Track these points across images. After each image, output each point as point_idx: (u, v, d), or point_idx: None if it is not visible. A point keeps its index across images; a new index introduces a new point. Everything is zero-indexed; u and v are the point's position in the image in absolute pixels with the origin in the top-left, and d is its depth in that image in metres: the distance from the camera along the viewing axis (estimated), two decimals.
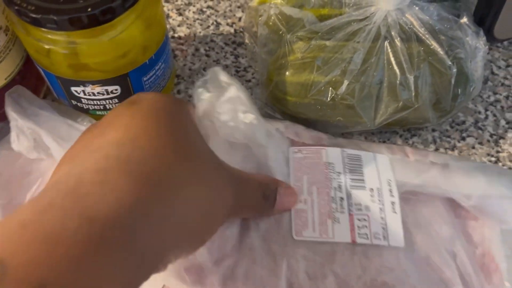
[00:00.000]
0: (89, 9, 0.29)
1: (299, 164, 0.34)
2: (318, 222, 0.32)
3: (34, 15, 0.29)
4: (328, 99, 0.36)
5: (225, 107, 0.30)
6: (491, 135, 0.42)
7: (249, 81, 0.44)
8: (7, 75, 0.36)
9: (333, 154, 0.34)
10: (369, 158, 0.35)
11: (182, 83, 0.43)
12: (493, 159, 0.40)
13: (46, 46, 0.32)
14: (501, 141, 0.41)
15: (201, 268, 0.30)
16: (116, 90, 0.35)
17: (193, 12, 0.47)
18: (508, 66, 0.45)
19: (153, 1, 0.33)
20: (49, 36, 0.31)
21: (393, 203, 0.33)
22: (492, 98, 0.43)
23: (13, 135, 0.34)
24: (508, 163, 0.40)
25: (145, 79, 0.36)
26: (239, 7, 0.48)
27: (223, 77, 0.30)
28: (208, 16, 0.47)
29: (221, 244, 0.31)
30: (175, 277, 0.30)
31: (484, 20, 0.39)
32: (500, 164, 0.40)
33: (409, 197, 0.33)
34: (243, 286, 0.30)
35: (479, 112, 0.43)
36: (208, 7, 0.47)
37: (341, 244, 0.31)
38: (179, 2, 0.48)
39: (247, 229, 0.32)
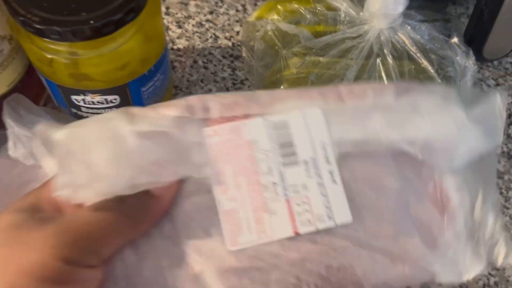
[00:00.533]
0: (92, 22, 0.30)
1: (218, 151, 0.27)
2: (254, 220, 0.27)
3: (38, 26, 0.30)
4: None
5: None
6: None
7: None
8: (9, 82, 0.37)
9: (255, 127, 0.28)
10: (298, 120, 0.29)
11: (180, 94, 0.44)
12: None
13: (49, 56, 0.33)
14: None
15: None
16: (115, 99, 0.36)
17: (192, 25, 0.48)
18: (497, 84, 0.46)
19: (153, 15, 0.34)
20: (51, 46, 0.32)
21: (331, 172, 0.28)
22: None
23: (10, 142, 0.35)
24: (496, 180, 0.41)
25: (143, 89, 0.37)
26: (237, 21, 0.49)
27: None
28: (207, 30, 0.48)
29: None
30: None
31: (474, 40, 0.41)
32: None
33: (349, 157, 0.29)
34: None
35: None
36: (207, 20, 0.49)
37: (284, 240, 0.27)
38: (179, 15, 0.49)
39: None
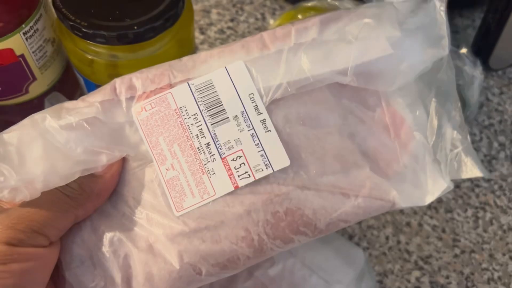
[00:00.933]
0: (135, 27, 0.33)
1: (148, 126, 0.28)
2: (194, 183, 0.27)
3: (86, 30, 0.33)
4: None
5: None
6: (485, 156, 0.45)
7: None
8: (49, 82, 0.39)
9: (181, 94, 0.28)
10: (222, 78, 0.28)
11: None
12: (486, 177, 0.44)
13: (90, 57, 0.35)
14: (493, 161, 0.45)
15: None
16: None
17: (214, 32, 0.51)
18: (501, 93, 0.49)
19: (187, 22, 0.37)
20: (93, 48, 0.35)
21: (263, 121, 0.28)
22: (486, 122, 0.48)
23: None
24: (500, 182, 0.44)
25: None
26: (256, 29, 0.52)
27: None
28: (228, 36, 0.51)
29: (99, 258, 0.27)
30: None
31: (481, 51, 0.43)
32: (491, 182, 0.44)
33: (282, 101, 0.28)
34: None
35: (474, 134, 0.47)
36: (228, 27, 0.51)
37: (226, 196, 0.27)
38: (201, 22, 0.52)
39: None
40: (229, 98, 0.28)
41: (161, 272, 0.27)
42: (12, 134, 0.26)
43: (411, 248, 0.41)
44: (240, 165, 0.27)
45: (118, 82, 0.28)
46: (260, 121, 0.28)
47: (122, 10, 0.34)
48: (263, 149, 0.27)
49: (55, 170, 0.25)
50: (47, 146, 0.26)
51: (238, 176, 0.27)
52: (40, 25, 0.35)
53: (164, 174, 0.27)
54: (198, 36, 0.51)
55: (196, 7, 0.53)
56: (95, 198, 0.27)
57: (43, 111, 0.27)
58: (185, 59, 0.29)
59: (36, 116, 0.27)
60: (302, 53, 0.27)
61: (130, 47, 0.34)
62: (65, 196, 0.26)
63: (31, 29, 0.35)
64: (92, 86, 0.38)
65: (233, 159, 0.27)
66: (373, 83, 0.28)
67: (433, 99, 0.28)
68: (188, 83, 0.28)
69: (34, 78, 0.38)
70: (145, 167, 0.28)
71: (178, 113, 0.28)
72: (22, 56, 0.35)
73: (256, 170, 0.27)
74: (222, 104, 0.28)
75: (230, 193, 0.27)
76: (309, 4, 0.45)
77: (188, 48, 0.39)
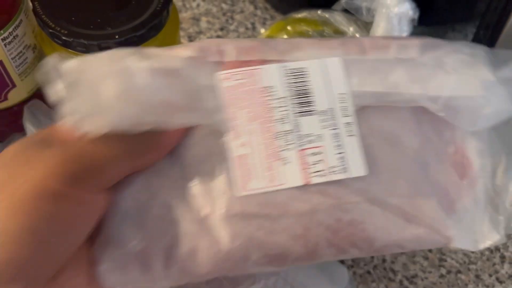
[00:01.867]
0: (117, 37, 0.32)
1: (231, 96, 0.26)
2: (266, 167, 0.26)
3: (66, 39, 0.32)
4: None
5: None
6: None
7: None
8: (30, 89, 0.38)
9: (271, 73, 0.27)
10: (317, 68, 0.28)
11: None
12: None
13: None
14: None
15: None
16: None
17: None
18: None
19: (173, 31, 0.36)
20: (74, 56, 0.34)
21: (348, 124, 0.27)
22: None
23: None
24: None
25: None
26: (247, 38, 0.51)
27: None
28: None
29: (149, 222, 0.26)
30: None
31: None
32: None
33: (369, 110, 0.28)
34: (187, 263, 0.26)
35: None
36: (218, 36, 0.51)
37: (294, 189, 0.26)
38: (190, 30, 0.51)
39: None
40: (320, 91, 0.27)
41: (207, 249, 0.26)
42: (89, 63, 0.24)
43: (397, 267, 0.40)
44: (317, 161, 0.26)
45: (207, 42, 0.27)
46: (346, 123, 0.27)
47: (104, 18, 0.33)
48: (344, 152, 0.27)
49: (127, 114, 0.24)
50: (125, 86, 0.24)
51: (312, 172, 0.26)
52: (20, 31, 0.34)
53: (235, 149, 0.26)
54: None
55: (186, 14, 0.52)
56: (155, 151, 0.25)
57: (126, 49, 0.25)
58: (280, 40, 0.28)
59: (119, 52, 0.25)
60: (401, 69, 0.27)
61: None
62: (126, 145, 0.24)
63: (10, 35, 0.34)
64: None
65: (311, 154, 0.26)
66: (456, 118, 0.28)
67: (504, 152, 0.29)
68: (282, 64, 0.27)
69: (14, 85, 0.37)
70: (215, 137, 0.26)
71: (265, 92, 0.27)
72: (1, 62, 0.35)
73: (332, 171, 0.26)
74: (311, 95, 0.27)
75: (298, 187, 0.26)
76: (299, 15, 0.44)
77: None
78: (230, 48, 0.27)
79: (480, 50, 0.29)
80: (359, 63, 0.28)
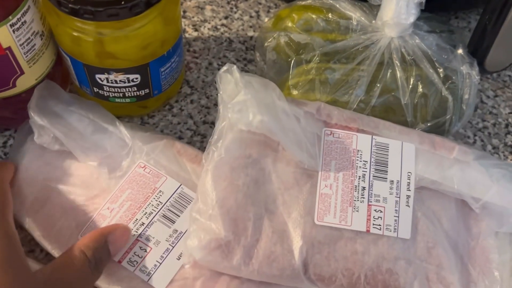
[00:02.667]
0: (123, 2, 0.32)
1: (329, 148, 0.35)
2: (340, 209, 0.34)
3: (73, 6, 0.32)
4: None
5: (236, 107, 0.34)
6: None
7: None
8: (38, 75, 0.38)
9: (363, 141, 0.36)
10: (396, 148, 0.36)
11: (196, 94, 0.46)
12: None
13: (76, 34, 0.35)
14: None
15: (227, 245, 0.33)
16: (136, 78, 0.38)
17: (208, 29, 0.50)
18: (496, 96, 0.49)
19: (173, 2, 0.37)
20: (80, 25, 0.34)
21: (408, 196, 0.35)
22: (480, 125, 0.47)
23: (34, 130, 0.37)
24: None
25: (162, 69, 0.40)
26: (250, 26, 0.51)
27: (238, 77, 0.35)
28: (222, 34, 0.50)
29: (239, 221, 0.33)
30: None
31: (476, 53, 0.43)
32: None
33: (423, 191, 0.36)
34: (263, 263, 0.33)
35: (468, 137, 0.46)
36: (222, 25, 0.51)
37: (355, 231, 0.34)
38: (195, 19, 0.51)
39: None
40: (394, 165, 0.36)
41: (281, 256, 0.33)
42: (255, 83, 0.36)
43: None
44: (378, 217, 0.34)
45: (322, 105, 0.37)
46: (406, 195, 0.35)
47: None
48: (398, 216, 0.34)
49: (266, 126, 0.35)
50: (272, 112, 0.35)
51: (372, 224, 0.34)
52: (28, 17, 0.34)
53: (322, 187, 0.34)
54: (192, 33, 0.50)
55: (190, 3, 0.52)
56: None
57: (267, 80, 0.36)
58: (372, 119, 0.38)
59: (270, 83, 0.36)
60: (457, 168, 0.36)
61: (117, 24, 0.34)
62: None
63: (19, 21, 0.34)
64: (80, 66, 0.37)
65: (375, 210, 0.34)
66: (486, 218, 0.36)
67: None
68: (372, 136, 0.36)
69: (22, 72, 0.37)
70: (304, 174, 0.35)
71: (355, 153, 0.36)
72: (9, 48, 0.34)
73: (386, 228, 0.34)
74: (387, 166, 0.36)
75: (359, 232, 0.34)
76: (304, 2, 0.44)
77: (173, 26, 0.38)
78: (336, 114, 0.37)
79: None
80: (427, 154, 0.36)
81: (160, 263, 0.34)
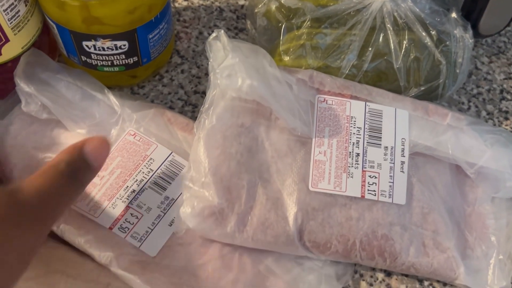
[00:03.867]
0: None
1: (323, 114, 0.35)
2: (334, 175, 0.34)
3: None
4: None
5: (224, 72, 0.34)
6: None
7: None
8: (23, 44, 0.38)
9: (357, 108, 0.36)
10: (390, 114, 0.36)
11: (186, 63, 0.46)
12: None
13: None
14: None
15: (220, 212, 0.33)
16: (124, 45, 0.38)
17: None
18: (490, 62, 0.48)
19: None
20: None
21: (402, 162, 0.35)
22: (475, 91, 0.47)
23: (21, 98, 0.36)
24: None
25: (150, 36, 0.39)
26: None
27: (225, 41, 0.35)
28: (212, 3, 0.49)
29: (233, 189, 0.33)
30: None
31: (470, 16, 0.42)
32: None
33: (418, 157, 0.36)
34: (257, 230, 0.33)
35: (463, 103, 0.46)
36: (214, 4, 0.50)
37: (350, 197, 0.34)
38: None
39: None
40: (388, 131, 0.36)
41: (275, 223, 0.33)
42: (244, 50, 0.35)
43: None
44: (373, 183, 0.34)
45: (315, 73, 0.37)
46: (401, 161, 0.35)
47: None
48: (393, 182, 0.34)
49: (256, 91, 0.34)
50: (263, 76, 0.34)
51: (367, 190, 0.34)
52: None
53: (315, 154, 0.34)
54: (181, 2, 0.49)
55: None
56: None
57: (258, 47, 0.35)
58: (365, 86, 0.38)
59: (259, 49, 0.35)
60: (451, 134, 0.36)
61: None
62: None
63: None
64: (66, 34, 0.37)
65: (370, 176, 0.34)
66: (482, 183, 0.36)
67: None
68: (366, 103, 0.36)
69: (7, 39, 0.36)
70: (298, 142, 0.35)
71: (348, 119, 0.36)
72: None
73: (381, 194, 0.34)
74: (381, 133, 0.36)
75: (354, 197, 0.34)
76: None
77: None
78: (329, 81, 0.37)
79: None
80: (421, 120, 0.36)
81: (152, 229, 0.34)
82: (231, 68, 0.34)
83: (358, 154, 0.35)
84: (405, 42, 0.39)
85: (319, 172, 0.34)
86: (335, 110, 0.36)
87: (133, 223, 0.34)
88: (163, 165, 0.36)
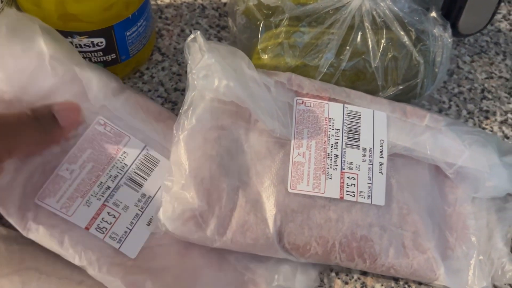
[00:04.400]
0: None
1: (301, 116, 0.35)
2: (313, 176, 0.34)
3: None
4: None
5: (200, 73, 0.33)
6: None
7: None
8: None
9: (335, 110, 0.36)
10: (368, 116, 0.36)
11: (167, 61, 0.46)
12: None
13: None
14: None
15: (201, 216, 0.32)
16: (101, 42, 0.38)
17: None
18: (472, 61, 0.49)
19: None
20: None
21: (381, 163, 0.35)
22: (456, 90, 0.47)
23: None
24: None
25: (128, 33, 0.39)
26: None
27: (201, 42, 0.34)
28: (195, 0, 0.49)
29: (213, 191, 0.33)
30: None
31: (450, 15, 0.42)
32: None
33: (397, 158, 0.36)
34: (236, 233, 0.32)
35: (443, 102, 0.46)
36: None
37: (329, 199, 0.34)
38: None
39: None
40: (366, 133, 0.36)
41: (254, 225, 0.33)
42: (221, 52, 0.34)
43: None
44: (351, 184, 0.34)
45: (293, 76, 0.37)
46: (379, 162, 0.35)
47: None
48: (372, 183, 0.34)
49: (235, 94, 0.34)
50: (240, 78, 0.34)
51: (346, 191, 0.34)
52: None
53: (294, 156, 0.34)
54: (164, 0, 0.49)
55: None
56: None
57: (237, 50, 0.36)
58: (343, 89, 0.38)
59: (238, 51, 0.36)
60: (429, 134, 0.36)
61: None
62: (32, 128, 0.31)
63: None
64: None
65: (348, 177, 0.34)
66: (462, 183, 0.36)
67: (495, 217, 0.36)
68: (344, 105, 0.36)
69: None
70: (277, 144, 0.35)
71: (327, 121, 0.36)
72: None
73: (359, 195, 0.34)
74: (359, 134, 0.36)
75: (333, 199, 0.34)
76: None
77: None
78: (307, 84, 0.37)
79: (493, 138, 0.38)
80: (399, 121, 0.36)
81: (131, 230, 0.33)
82: (208, 69, 0.33)
83: (336, 156, 0.35)
84: (383, 41, 0.39)
85: (298, 173, 0.34)
86: (314, 112, 0.36)
87: (111, 223, 0.32)
88: (137, 159, 0.34)
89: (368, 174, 0.35)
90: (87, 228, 0.32)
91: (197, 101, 0.34)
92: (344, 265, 0.35)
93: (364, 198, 0.34)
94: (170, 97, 0.44)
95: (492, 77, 0.48)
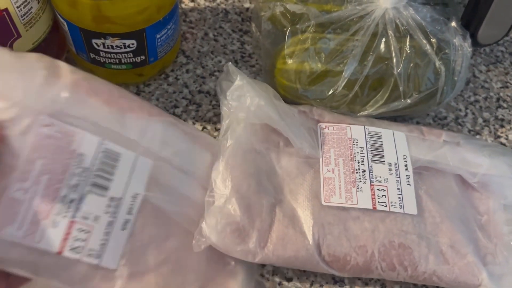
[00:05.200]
0: None
1: (326, 138, 0.38)
2: (344, 189, 0.35)
3: None
4: (329, 93, 0.40)
5: (234, 94, 0.36)
6: (469, 131, 0.46)
7: (253, 66, 0.47)
8: (34, 40, 0.38)
9: (357, 131, 0.38)
10: (388, 135, 0.39)
11: (191, 63, 0.47)
12: None
13: None
14: (477, 136, 0.46)
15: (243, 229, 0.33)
16: (132, 44, 0.39)
17: (204, 0, 0.50)
18: (488, 71, 0.50)
19: None
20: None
21: (407, 176, 0.37)
22: (472, 98, 0.48)
23: None
24: None
25: (158, 36, 0.40)
26: None
27: (234, 69, 0.37)
28: (218, 4, 0.50)
29: (253, 206, 0.34)
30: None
31: (470, 25, 0.44)
32: None
33: (422, 172, 0.37)
34: (277, 246, 0.33)
35: (460, 110, 0.47)
36: None
37: (363, 210, 0.35)
38: None
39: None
40: (389, 150, 0.38)
41: (294, 238, 0.34)
42: (247, 86, 0.37)
43: None
44: (382, 195, 0.36)
45: (314, 108, 0.40)
46: (406, 175, 0.37)
47: None
48: (401, 194, 0.36)
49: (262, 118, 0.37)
50: (263, 108, 0.37)
51: (378, 202, 0.35)
52: None
53: (324, 172, 0.36)
54: (188, 4, 0.50)
55: None
56: None
57: (264, 85, 0.39)
58: (361, 118, 0.40)
59: (268, 87, 0.39)
60: (448, 147, 0.38)
61: None
62: None
63: None
64: (76, 31, 0.38)
65: (378, 189, 0.36)
66: (488, 192, 0.38)
67: None
68: (364, 126, 0.39)
69: (19, 35, 0.37)
70: (306, 164, 0.37)
71: (351, 141, 0.38)
72: (6, 10, 0.35)
73: (391, 205, 0.35)
74: (383, 151, 0.38)
75: (366, 210, 0.35)
76: None
77: None
78: (327, 114, 0.40)
79: (510, 150, 0.40)
80: (417, 139, 0.39)
81: (107, 240, 0.29)
82: (240, 90, 0.36)
83: (364, 170, 0.36)
84: (406, 48, 0.40)
85: (329, 187, 0.35)
86: (337, 134, 0.38)
87: (84, 240, 0.28)
88: (96, 159, 0.29)
89: (397, 186, 0.36)
90: (59, 253, 0.28)
91: (233, 125, 0.37)
92: (386, 276, 0.35)
93: (397, 207, 0.35)
94: (195, 99, 0.45)
95: (507, 87, 0.49)
